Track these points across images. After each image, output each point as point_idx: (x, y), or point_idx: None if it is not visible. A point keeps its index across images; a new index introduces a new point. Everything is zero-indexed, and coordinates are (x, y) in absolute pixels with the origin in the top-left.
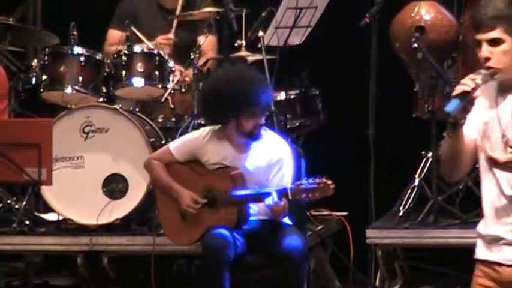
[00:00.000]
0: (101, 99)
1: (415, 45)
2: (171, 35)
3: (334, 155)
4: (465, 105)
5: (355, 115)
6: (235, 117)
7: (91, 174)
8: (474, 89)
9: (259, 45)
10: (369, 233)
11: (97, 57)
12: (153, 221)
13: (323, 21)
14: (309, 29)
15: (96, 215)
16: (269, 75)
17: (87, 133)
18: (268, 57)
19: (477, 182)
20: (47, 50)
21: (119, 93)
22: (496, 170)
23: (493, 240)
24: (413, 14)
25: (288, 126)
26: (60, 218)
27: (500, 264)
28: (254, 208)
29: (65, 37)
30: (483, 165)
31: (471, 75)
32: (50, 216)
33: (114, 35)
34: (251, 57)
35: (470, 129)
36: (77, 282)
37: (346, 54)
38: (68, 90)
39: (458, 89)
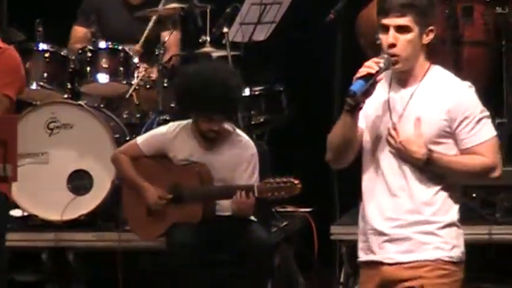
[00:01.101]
0: (66, 96)
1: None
2: (137, 47)
3: (299, 151)
4: (368, 88)
5: (320, 111)
6: (193, 115)
7: (56, 170)
8: (378, 72)
9: (224, 41)
10: (334, 229)
11: (62, 54)
12: (119, 217)
13: (288, 17)
14: (274, 25)
15: (61, 211)
16: None
17: (52, 129)
18: (232, 53)
19: None
20: (12, 46)
21: (84, 90)
22: (384, 167)
23: (375, 236)
24: None
25: (252, 123)
26: (25, 214)
27: (382, 263)
28: (220, 204)
29: (31, 34)
30: (368, 160)
31: (374, 59)
32: (15, 212)
33: (78, 32)
34: (216, 53)
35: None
36: (43, 278)
37: (312, 51)
38: (33, 86)
39: (363, 71)
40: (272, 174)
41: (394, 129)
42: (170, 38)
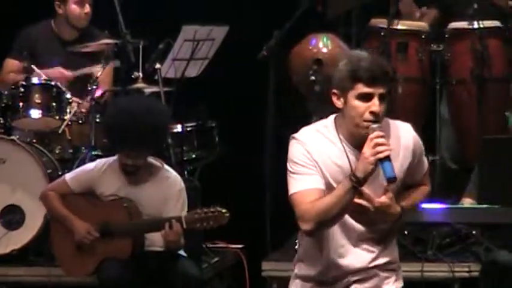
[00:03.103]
0: None
1: (313, 77)
2: (69, 74)
3: (231, 188)
4: None
5: (253, 147)
6: (115, 151)
7: None
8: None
9: (156, 77)
10: (265, 265)
11: None
12: (50, 252)
13: (221, 53)
14: (207, 61)
15: None
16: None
17: None
18: (165, 89)
19: None
20: None
21: (17, 125)
22: (348, 224)
23: (339, 282)
24: (310, 47)
25: (184, 158)
26: None
27: None
28: (149, 239)
29: None
30: None
31: (378, 133)
32: None
33: (11, 64)
34: (148, 89)
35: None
36: None
37: (244, 87)
38: None
39: (384, 151)
40: (201, 207)
41: (367, 199)
42: (103, 73)
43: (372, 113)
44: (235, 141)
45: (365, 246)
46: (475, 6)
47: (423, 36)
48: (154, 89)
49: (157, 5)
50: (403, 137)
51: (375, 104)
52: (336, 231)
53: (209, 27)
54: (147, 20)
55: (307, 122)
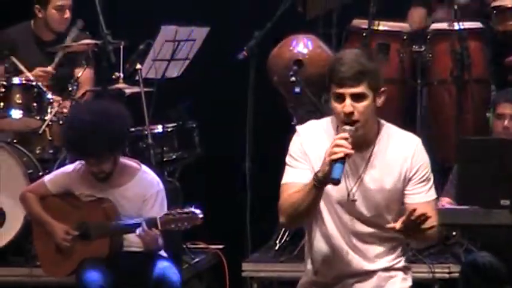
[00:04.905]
0: None
1: (293, 79)
2: (49, 68)
3: (212, 188)
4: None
5: (233, 148)
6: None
7: None
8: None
9: (137, 78)
10: (245, 266)
11: None
12: (30, 252)
13: (201, 54)
14: (187, 62)
15: None
16: (146, 107)
17: None
18: (145, 89)
19: None
20: None
21: None
22: (347, 226)
23: (342, 282)
24: (291, 48)
25: (164, 159)
26: None
27: None
28: (128, 240)
29: None
30: (323, 220)
31: (342, 135)
32: None
33: None
34: (129, 90)
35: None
36: None
37: (225, 88)
38: None
39: (339, 152)
40: (175, 208)
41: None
42: (83, 73)
43: (344, 113)
44: (216, 142)
45: (367, 249)
46: (455, 7)
47: (405, 37)
48: (135, 89)
49: (138, 5)
50: (405, 147)
51: (346, 105)
52: (337, 232)
53: (190, 28)
54: (127, 20)
55: (287, 122)
